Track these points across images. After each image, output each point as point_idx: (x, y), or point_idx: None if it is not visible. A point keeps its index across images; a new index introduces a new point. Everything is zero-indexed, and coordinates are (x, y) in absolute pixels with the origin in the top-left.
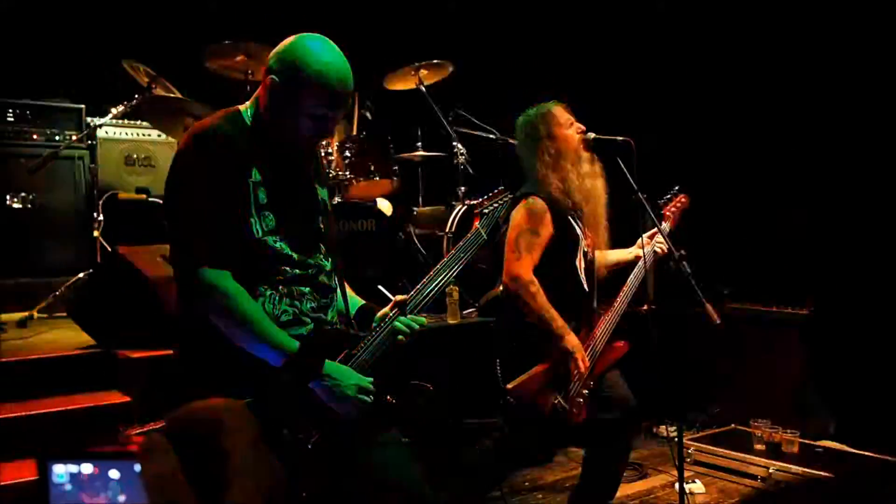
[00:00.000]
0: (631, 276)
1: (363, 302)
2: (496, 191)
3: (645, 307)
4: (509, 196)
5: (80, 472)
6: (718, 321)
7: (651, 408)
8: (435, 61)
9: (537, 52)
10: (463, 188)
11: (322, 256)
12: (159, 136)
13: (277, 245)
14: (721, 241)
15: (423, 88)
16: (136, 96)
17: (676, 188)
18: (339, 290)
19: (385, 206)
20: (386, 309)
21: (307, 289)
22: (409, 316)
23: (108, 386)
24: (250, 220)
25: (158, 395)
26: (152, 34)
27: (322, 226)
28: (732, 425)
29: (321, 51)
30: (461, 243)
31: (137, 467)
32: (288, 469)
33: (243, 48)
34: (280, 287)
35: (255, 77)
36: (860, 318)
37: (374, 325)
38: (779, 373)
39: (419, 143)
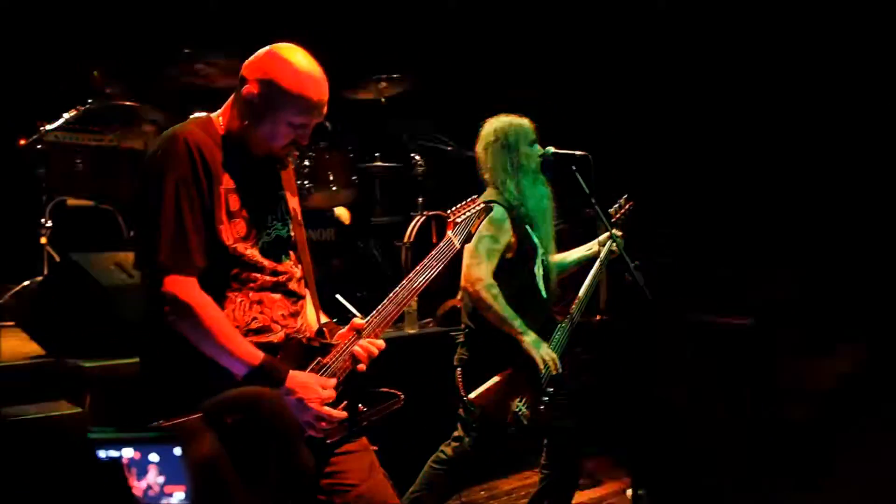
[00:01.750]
0: (584, 285)
1: (326, 319)
2: (469, 200)
3: (597, 318)
4: (482, 205)
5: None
6: (665, 328)
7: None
8: (395, 75)
9: (494, 68)
10: (421, 199)
11: (292, 264)
12: (111, 141)
13: (248, 252)
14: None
15: (383, 100)
16: (90, 101)
17: (624, 196)
18: (309, 298)
19: (343, 215)
20: (343, 331)
21: (278, 295)
22: (368, 340)
23: (57, 396)
24: (221, 227)
25: (111, 406)
26: (108, 38)
27: (293, 233)
28: None
29: (297, 60)
30: (433, 252)
31: (178, 451)
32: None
33: (203, 56)
34: (251, 294)
35: (215, 83)
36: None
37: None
38: (724, 380)
39: (377, 154)
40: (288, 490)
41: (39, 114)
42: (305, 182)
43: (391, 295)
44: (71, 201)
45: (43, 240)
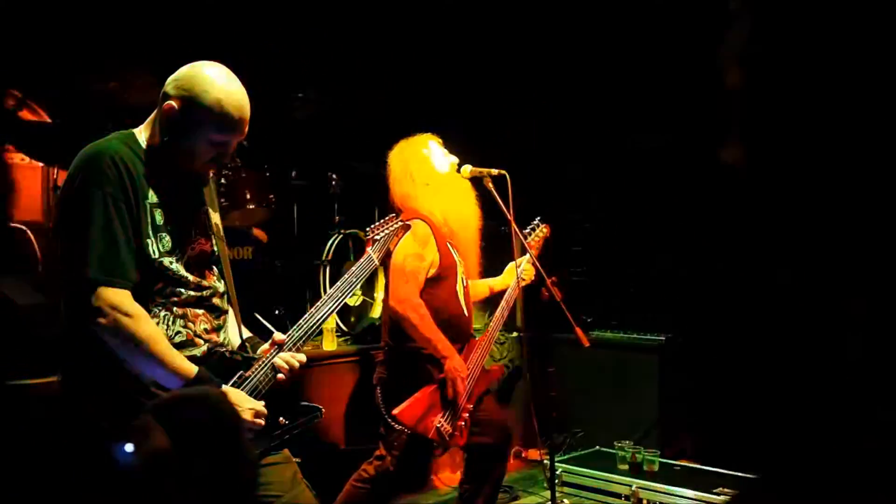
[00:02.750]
0: (502, 302)
1: (248, 334)
2: (387, 217)
3: (515, 334)
4: (400, 223)
5: None
6: (587, 343)
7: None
8: (308, 96)
9: (411, 84)
10: (338, 217)
11: (216, 279)
12: (22, 160)
13: (173, 266)
14: (586, 272)
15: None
16: None
17: (538, 219)
18: (231, 313)
19: (260, 235)
20: (265, 346)
21: (201, 310)
22: (290, 353)
23: None
24: (146, 241)
25: (24, 425)
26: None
27: (216, 248)
28: (597, 447)
29: (220, 78)
30: (353, 268)
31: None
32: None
33: (118, 71)
34: (174, 308)
35: (130, 99)
36: (712, 345)
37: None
38: (639, 396)
39: (294, 172)
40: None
41: None
42: (222, 200)
43: (312, 310)
44: None
45: None
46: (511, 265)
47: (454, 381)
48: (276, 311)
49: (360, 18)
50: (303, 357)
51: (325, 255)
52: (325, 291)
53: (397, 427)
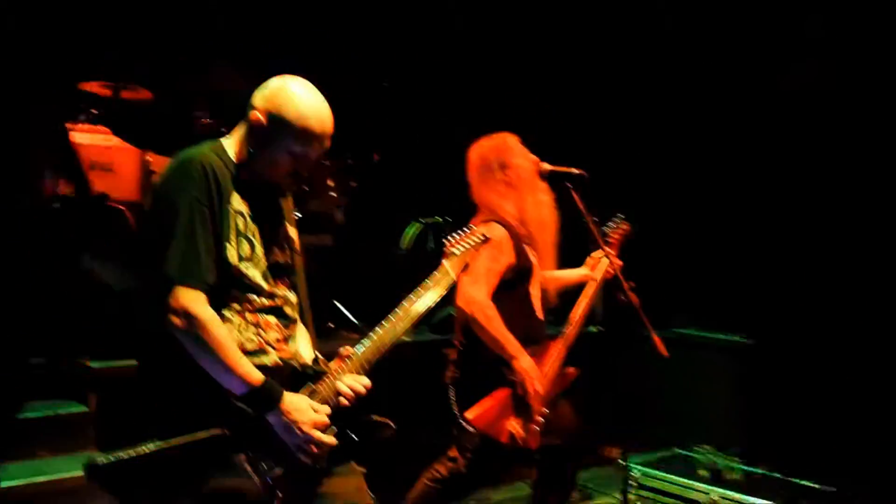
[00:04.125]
0: (578, 305)
1: (315, 354)
2: (468, 230)
3: (595, 329)
4: (481, 237)
5: None
6: (666, 354)
7: (597, 429)
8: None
9: (493, 77)
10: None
11: (289, 289)
12: (119, 142)
13: (250, 273)
14: (667, 268)
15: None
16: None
17: (620, 216)
18: (301, 326)
19: (340, 216)
20: (334, 363)
21: (273, 319)
22: (354, 377)
23: (67, 395)
24: (226, 246)
25: (116, 407)
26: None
27: (291, 260)
28: (675, 449)
29: (305, 93)
30: (428, 281)
31: None
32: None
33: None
34: (248, 314)
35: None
36: (796, 348)
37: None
38: (720, 398)
39: (377, 159)
40: None
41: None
42: (304, 188)
43: (384, 323)
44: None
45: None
46: (588, 260)
47: (523, 381)
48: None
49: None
50: (367, 382)
51: (404, 243)
52: (403, 283)
53: (469, 429)
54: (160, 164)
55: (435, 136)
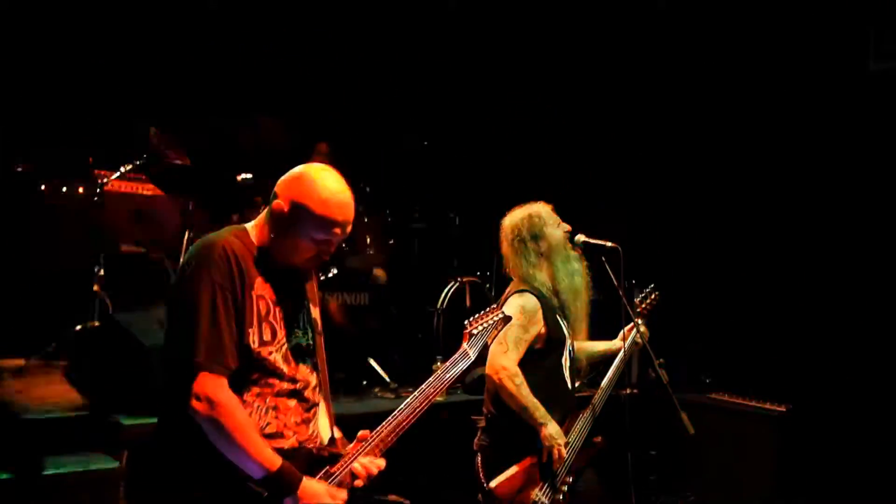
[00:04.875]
0: (608, 373)
1: (338, 433)
2: (488, 309)
3: (627, 391)
4: (501, 316)
5: None
6: (692, 431)
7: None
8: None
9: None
10: (456, 262)
11: (309, 371)
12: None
13: (271, 357)
14: (705, 333)
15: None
16: (144, 156)
17: (651, 286)
18: (322, 406)
19: (380, 275)
20: (351, 445)
21: (293, 402)
22: (369, 458)
23: (96, 448)
24: (249, 331)
25: (147, 464)
26: (166, 94)
27: (313, 342)
28: None
29: (327, 182)
30: (447, 363)
31: None
32: None
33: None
34: (268, 398)
35: (263, 146)
36: (834, 419)
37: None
38: (754, 465)
39: (416, 215)
40: None
41: (95, 162)
42: (343, 245)
43: (403, 406)
44: (124, 248)
45: (96, 287)
46: (621, 333)
47: (551, 448)
48: (394, 357)
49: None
50: (382, 463)
51: (440, 302)
52: (438, 338)
53: (495, 498)
54: (200, 216)
55: (473, 194)
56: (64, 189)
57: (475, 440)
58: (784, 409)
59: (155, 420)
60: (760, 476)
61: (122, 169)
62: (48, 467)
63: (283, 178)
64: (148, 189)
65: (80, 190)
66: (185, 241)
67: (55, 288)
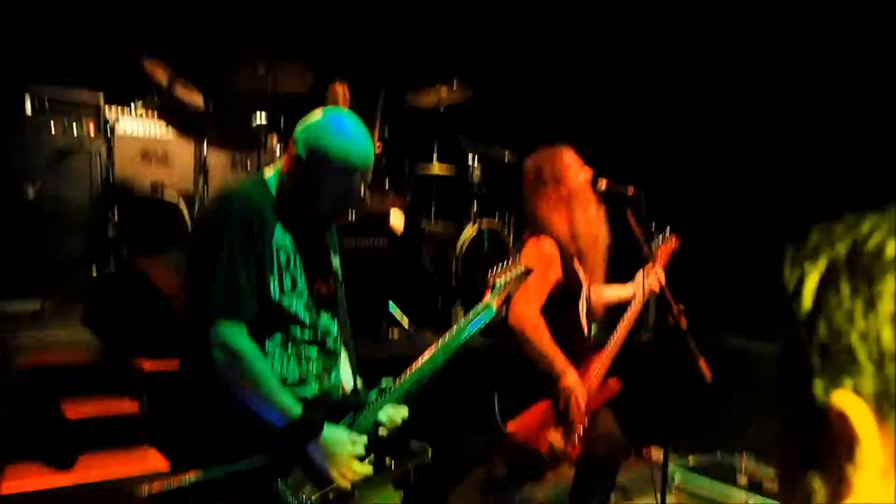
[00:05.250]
0: (625, 316)
1: (360, 381)
2: (510, 263)
3: (645, 336)
4: (524, 269)
5: None
6: (710, 378)
7: (640, 429)
8: (455, 85)
9: (549, 87)
10: (475, 207)
11: (330, 320)
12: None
13: (292, 307)
14: (719, 276)
15: (442, 109)
16: (155, 97)
17: (668, 230)
18: (343, 356)
19: (397, 219)
20: (374, 393)
21: (314, 351)
22: (393, 407)
23: (121, 393)
24: (269, 280)
25: (168, 406)
26: (177, 30)
27: (334, 291)
28: (719, 454)
29: (345, 129)
30: (468, 315)
31: None
32: None
33: (265, 61)
34: (289, 348)
35: (278, 88)
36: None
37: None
38: (765, 407)
39: (434, 157)
40: None
41: (106, 101)
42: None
43: (425, 355)
44: (137, 192)
45: (111, 233)
46: (638, 276)
47: (569, 398)
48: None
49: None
50: (405, 412)
51: (459, 250)
52: (457, 283)
53: (513, 441)
54: (216, 158)
55: (493, 137)
56: (74, 129)
57: (492, 381)
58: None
59: (175, 364)
60: (769, 417)
61: (134, 108)
62: (69, 412)
63: (300, 123)
64: (160, 129)
65: (91, 130)
66: (200, 185)
67: (68, 230)
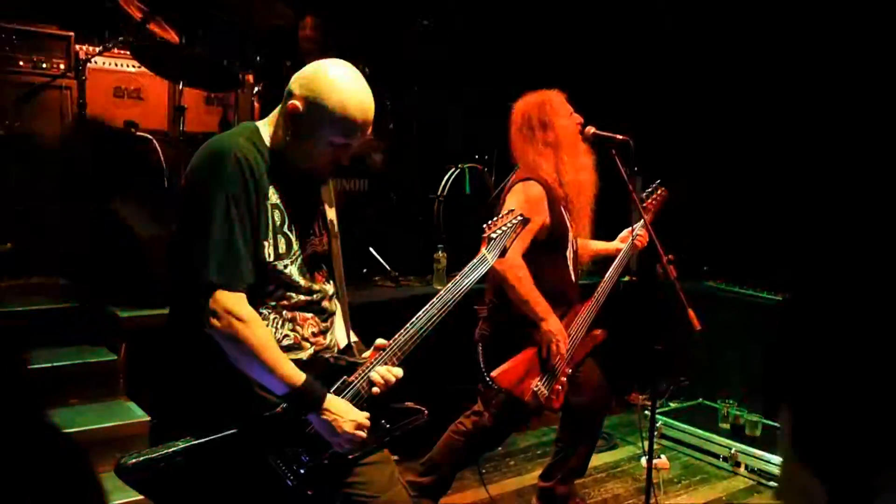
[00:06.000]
0: (611, 268)
1: (355, 339)
2: (506, 213)
3: (627, 278)
4: (520, 219)
5: None
6: (699, 327)
7: (624, 376)
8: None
9: (541, 33)
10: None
11: (325, 280)
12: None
13: (287, 270)
14: (706, 220)
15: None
16: (126, 36)
17: (658, 181)
18: (339, 313)
19: (378, 160)
20: (369, 351)
21: (310, 314)
22: (387, 367)
23: (95, 342)
24: (264, 244)
25: (144, 356)
26: None
27: (329, 247)
28: (700, 399)
29: (345, 80)
30: (465, 269)
31: None
32: (274, 497)
33: None
34: (284, 311)
35: (254, 24)
36: (828, 308)
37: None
38: (749, 353)
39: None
40: None
41: (77, 37)
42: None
43: (421, 314)
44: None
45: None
46: (626, 231)
47: (550, 343)
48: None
49: None
50: (399, 372)
51: (440, 190)
52: (439, 226)
53: (494, 387)
54: (191, 95)
55: (477, 77)
56: (44, 65)
57: (476, 330)
58: (781, 299)
59: (152, 312)
60: (751, 363)
61: (106, 44)
62: (39, 360)
63: (297, 74)
64: (133, 66)
65: (62, 66)
66: (177, 124)
67: (40, 167)
